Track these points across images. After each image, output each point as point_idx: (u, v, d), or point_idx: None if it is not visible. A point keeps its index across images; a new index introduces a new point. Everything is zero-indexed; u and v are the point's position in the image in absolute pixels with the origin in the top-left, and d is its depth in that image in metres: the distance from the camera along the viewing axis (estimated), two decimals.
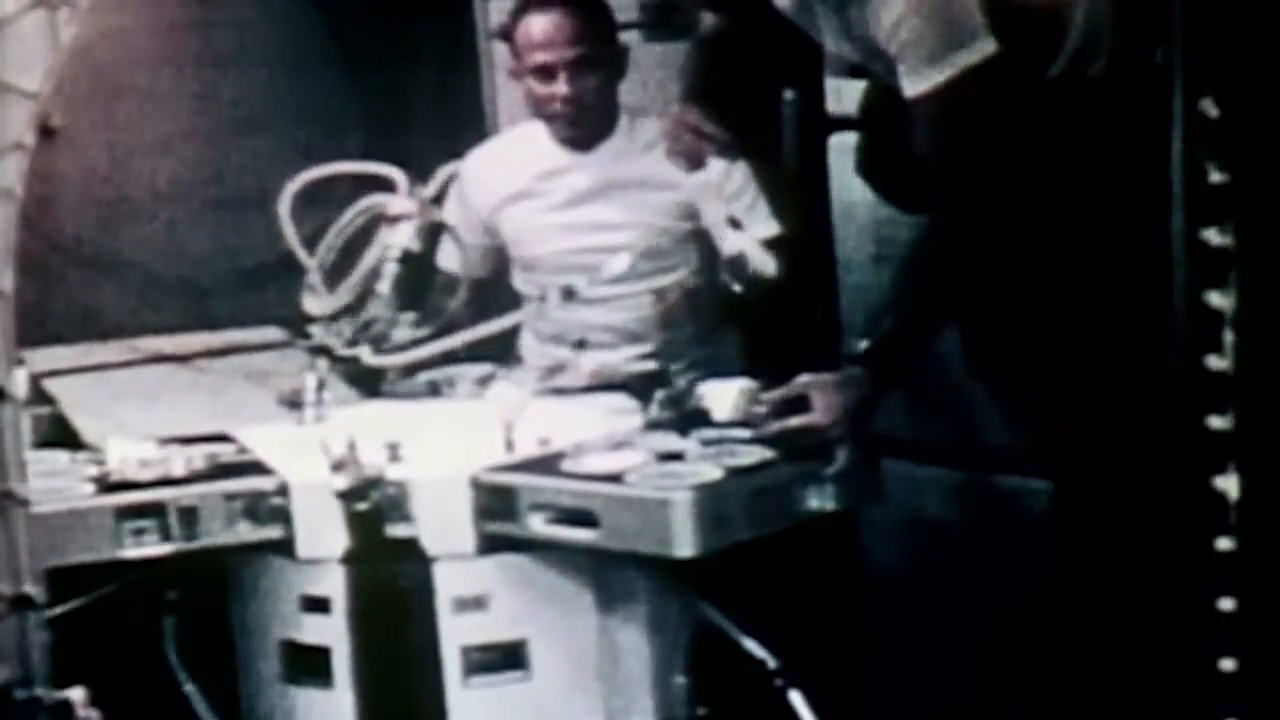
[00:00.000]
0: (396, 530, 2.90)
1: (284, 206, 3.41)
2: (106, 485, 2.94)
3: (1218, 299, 2.16)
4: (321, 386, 3.28)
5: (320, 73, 4.70)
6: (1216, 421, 2.17)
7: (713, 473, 2.81)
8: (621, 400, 3.31)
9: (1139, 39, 2.83)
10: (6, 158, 2.22)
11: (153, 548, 2.89)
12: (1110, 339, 2.94)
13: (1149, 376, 2.41)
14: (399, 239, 3.39)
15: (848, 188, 3.62)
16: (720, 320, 3.74)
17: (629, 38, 3.99)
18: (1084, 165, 2.96)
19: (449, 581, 2.90)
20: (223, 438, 3.13)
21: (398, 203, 3.41)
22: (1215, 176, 2.14)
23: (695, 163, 3.20)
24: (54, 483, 2.91)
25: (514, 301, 3.76)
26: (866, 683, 3.46)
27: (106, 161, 4.58)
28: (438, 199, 3.51)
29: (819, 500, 2.87)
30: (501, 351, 3.65)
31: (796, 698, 2.93)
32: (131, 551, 2.89)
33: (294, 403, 3.28)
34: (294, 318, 3.50)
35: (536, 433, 3.05)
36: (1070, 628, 3.07)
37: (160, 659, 3.06)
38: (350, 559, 2.90)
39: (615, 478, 2.83)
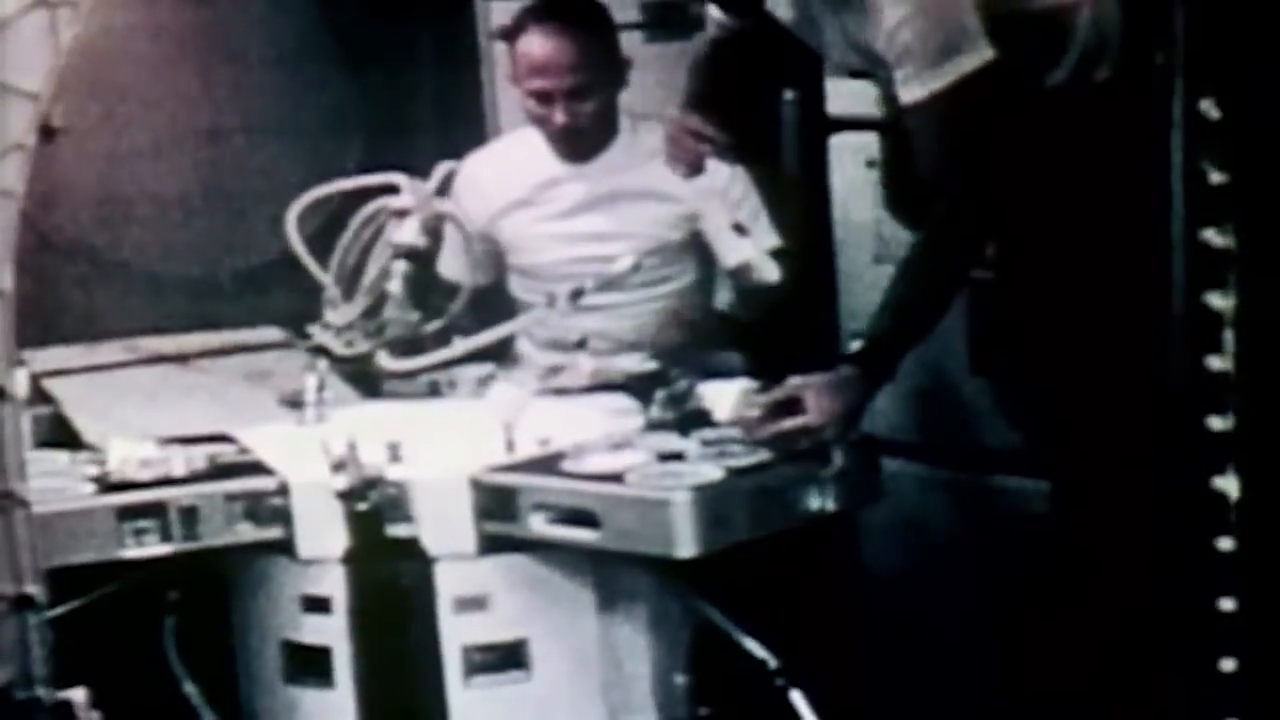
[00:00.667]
0: (397, 530, 2.90)
1: (291, 227, 3.43)
2: (107, 485, 2.94)
3: (1218, 300, 2.16)
4: (322, 387, 3.28)
5: (321, 74, 4.70)
6: (1216, 422, 2.17)
7: (713, 473, 2.81)
8: (622, 400, 3.31)
9: (1144, 43, 2.83)
10: (7, 158, 2.22)
11: (153, 548, 2.89)
12: (1111, 339, 2.94)
13: (1149, 377, 2.41)
14: (404, 236, 3.40)
15: (847, 188, 3.62)
16: (717, 333, 3.75)
17: (629, 38, 3.98)
18: (1083, 166, 2.96)
19: (450, 581, 2.90)
20: (223, 438, 3.13)
21: (400, 199, 3.42)
22: (1215, 178, 2.15)
23: (695, 168, 3.21)
24: (55, 483, 2.91)
25: (510, 307, 3.75)
26: (866, 683, 3.46)
27: (107, 162, 4.58)
28: (439, 192, 3.51)
29: (819, 501, 2.87)
30: (501, 352, 3.65)
31: (797, 697, 2.93)
32: (132, 551, 2.89)
33: (294, 403, 3.28)
34: (294, 308, 3.51)
35: (537, 433, 3.05)
36: (1070, 628, 3.07)
37: (161, 659, 3.06)
38: (351, 559, 2.91)
39: (616, 478, 2.83)
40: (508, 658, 2.92)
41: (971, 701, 3.39)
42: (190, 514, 2.90)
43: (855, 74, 3.29)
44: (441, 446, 3.06)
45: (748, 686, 2.95)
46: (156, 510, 2.89)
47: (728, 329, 3.74)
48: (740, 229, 3.27)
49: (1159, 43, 2.25)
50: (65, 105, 4.24)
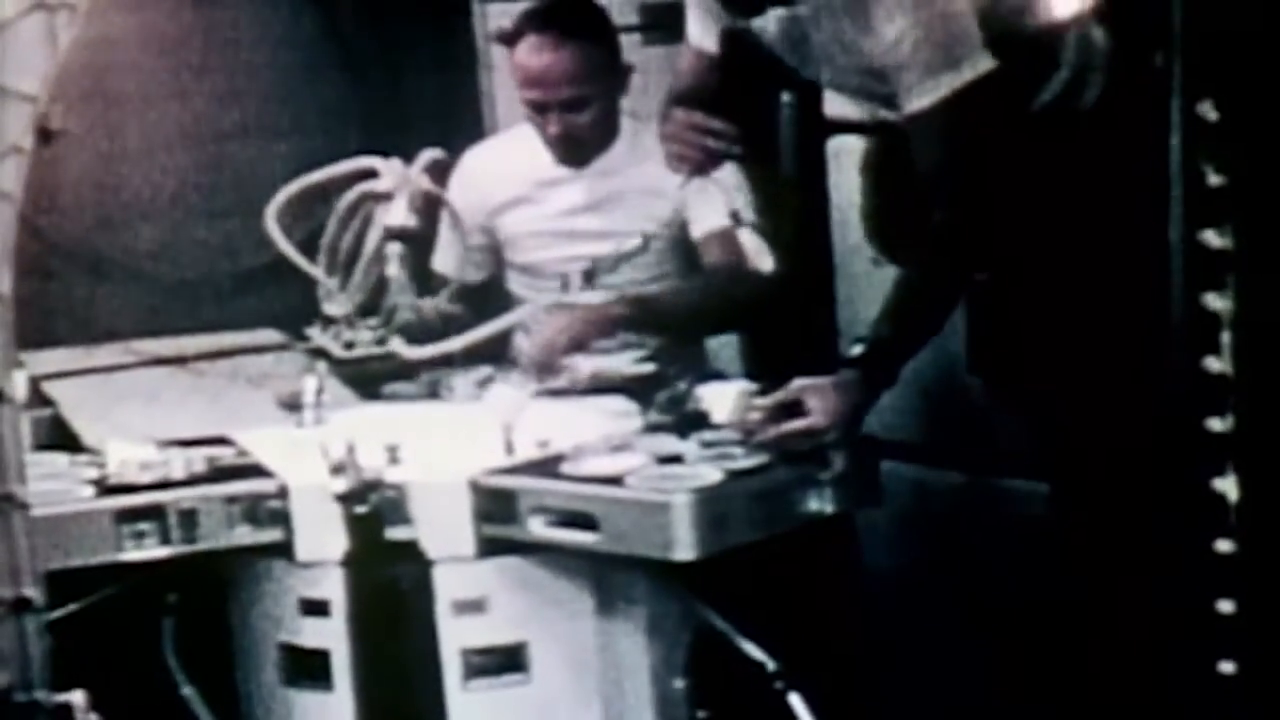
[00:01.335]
0: (396, 533, 2.90)
1: (271, 220, 3.40)
2: (106, 488, 2.94)
3: (1216, 301, 2.16)
4: (320, 389, 3.28)
5: (319, 76, 4.70)
6: (1215, 423, 2.17)
7: (712, 475, 2.81)
8: (621, 403, 3.31)
9: (1136, 65, 2.85)
10: (5, 161, 2.22)
11: (152, 550, 2.89)
12: (1109, 341, 2.94)
13: (1148, 378, 2.41)
14: (394, 218, 3.36)
15: (845, 190, 3.62)
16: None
17: (628, 41, 3.98)
18: (1083, 166, 2.96)
19: (448, 584, 2.90)
20: (222, 440, 3.13)
21: (383, 181, 3.38)
22: (1213, 179, 2.15)
23: (700, 167, 3.16)
24: (53, 485, 2.91)
25: (509, 305, 3.75)
26: (866, 685, 3.46)
27: (105, 164, 4.58)
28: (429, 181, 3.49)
29: (818, 503, 2.87)
30: (499, 354, 3.64)
31: (796, 700, 2.93)
32: (131, 554, 2.89)
33: (293, 405, 3.28)
34: (293, 311, 3.50)
35: (536, 435, 3.04)
36: (1069, 629, 3.07)
37: (160, 662, 3.06)
38: (350, 562, 2.90)
39: (615, 480, 2.83)
40: (506, 661, 2.92)
41: (972, 703, 3.39)
42: (189, 517, 2.90)
43: (840, 89, 3.27)
44: (440, 449, 3.06)
45: (747, 689, 2.95)
46: (155, 513, 2.89)
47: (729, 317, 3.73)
48: (736, 217, 3.25)
49: (1156, 46, 2.25)
50: (63, 107, 4.25)
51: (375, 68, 4.71)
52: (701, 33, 3.20)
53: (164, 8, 4.60)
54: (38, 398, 3.46)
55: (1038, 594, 3.20)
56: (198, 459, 3.01)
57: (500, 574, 2.91)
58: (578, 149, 3.67)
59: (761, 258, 3.21)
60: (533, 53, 3.58)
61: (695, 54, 3.24)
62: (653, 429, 3.12)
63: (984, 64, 2.82)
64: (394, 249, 3.35)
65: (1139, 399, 2.64)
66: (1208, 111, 2.14)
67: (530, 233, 3.76)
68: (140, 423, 3.27)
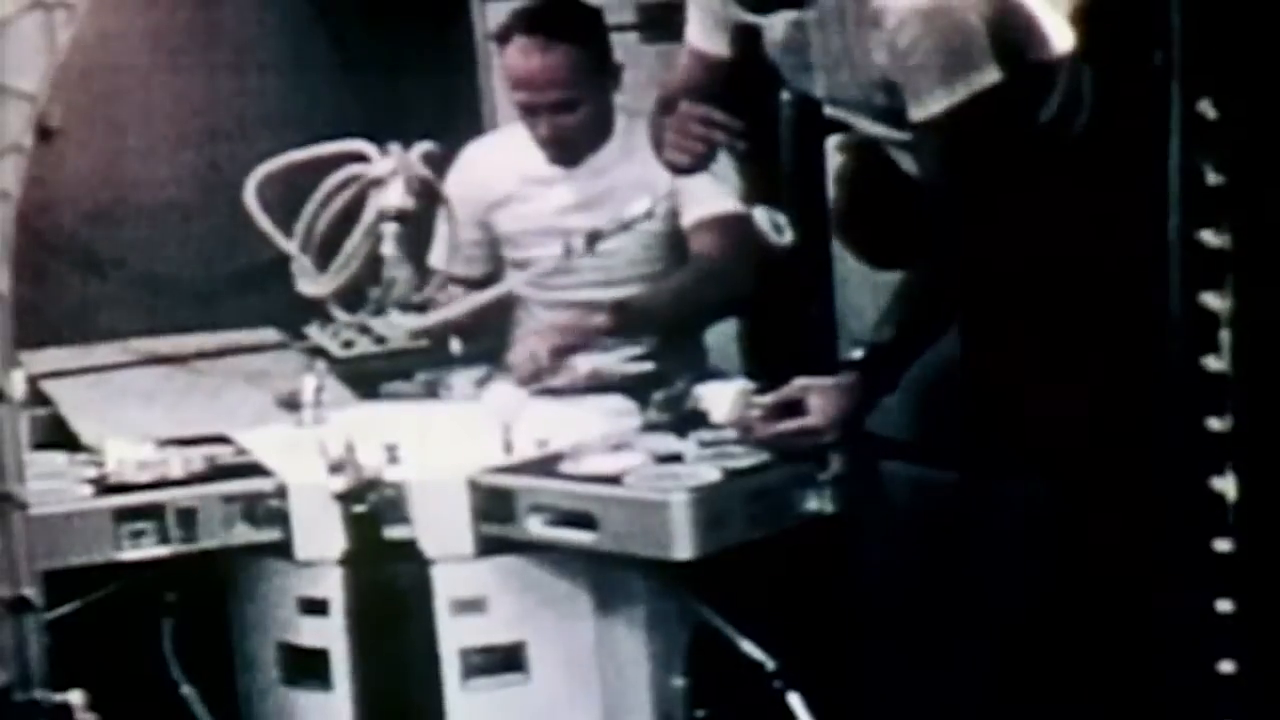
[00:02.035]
0: (394, 532, 2.90)
1: (250, 198, 3.39)
2: (105, 487, 2.94)
3: (1215, 300, 2.16)
4: (320, 388, 3.28)
5: (318, 76, 4.70)
6: (1214, 422, 2.17)
7: (711, 475, 2.81)
8: (619, 402, 3.31)
9: (1126, 101, 2.89)
10: (4, 159, 2.22)
11: (151, 550, 2.89)
12: (1108, 340, 2.94)
13: (1147, 378, 2.41)
14: (390, 199, 3.34)
15: None
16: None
17: (625, 39, 3.97)
18: (1083, 167, 2.97)
19: (447, 583, 2.90)
20: (221, 439, 3.13)
21: (377, 165, 3.37)
22: (1212, 178, 2.15)
23: (699, 161, 3.14)
24: (52, 484, 2.91)
25: (508, 302, 3.75)
26: (865, 684, 3.46)
27: (104, 163, 4.58)
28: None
29: (817, 502, 2.87)
30: (498, 353, 3.64)
31: (795, 699, 2.93)
32: (130, 553, 2.89)
33: (292, 404, 3.28)
34: (292, 310, 3.48)
35: (535, 434, 3.04)
36: (1069, 629, 3.07)
37: (158, 661, 3.06)
38: (348, 561, 2.90)
39: (614, 479, 2.83)
40: (505, 660, 2.92)
41: (970, 703, 3.38)
42: (188, 516, 2.90)
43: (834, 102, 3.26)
44: (439, 448, 3.06)
45: (745, 688, 2.95)
46: (154, 512, 2.89)
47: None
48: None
49: (1156, 45, 2.25)
50: (62, 106, 4.25)
51: (374, 68, 4.71)
52: (701, 33, 3.19)
53: (163, 7, 4.60)
54: (36, 397, 3.46)
55: (1037, 594, 3.20)
56: (196, 458, 3.01)
57: (499, 573, 2.91)
58: (568, 149, 3.67)
59: (781, 235, 3.20)
60: (521, 55, 3.58)
61: (692, 54, 3.23)
62: (651, 428, 3.12)
63: (993, 75, 2.84)
64: (390, 228, 3.34)
65: (1138, 398, 2.64)
66: (1207, 110, 2.14)
67: (524, 230, 3.76)
68: (139, 421, 3.27)
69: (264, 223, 3.37)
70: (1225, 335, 2.16)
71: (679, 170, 3.14)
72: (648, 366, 3.46)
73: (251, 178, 3.40)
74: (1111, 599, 2.98)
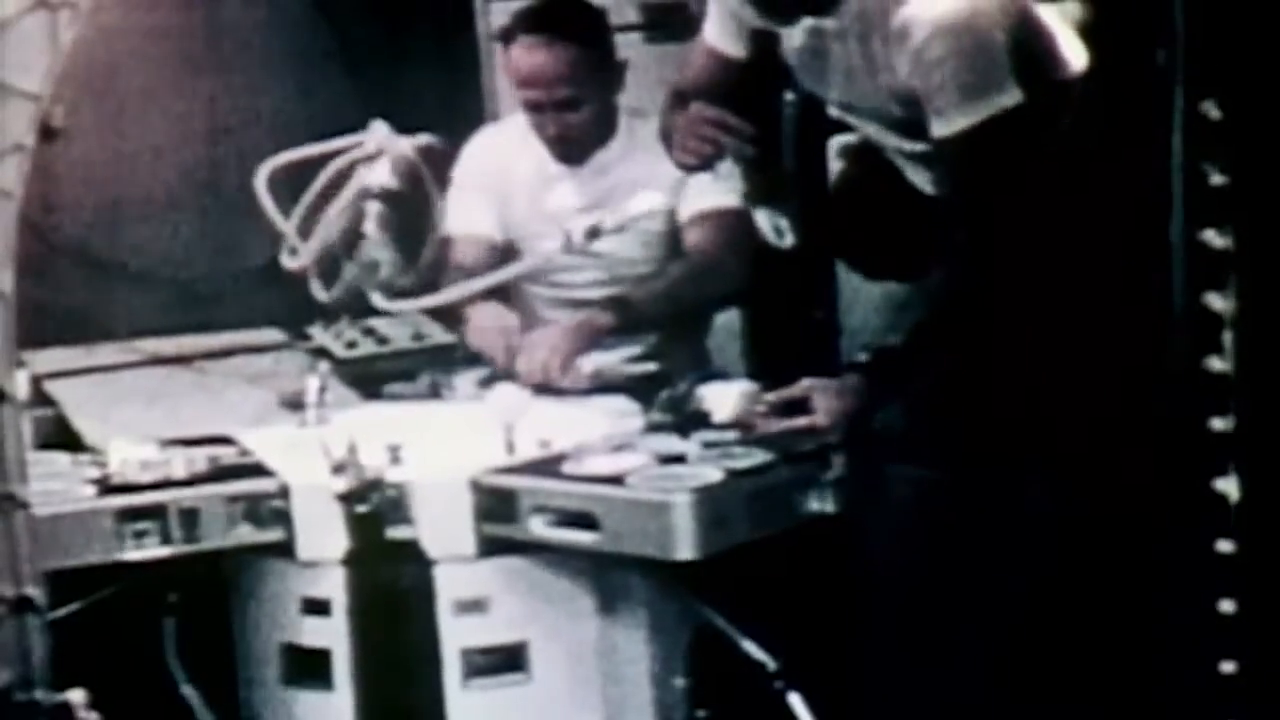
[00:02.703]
0: (397, 532, 2.90)
1: (260, 186, 3.40)
2: (107, 487, 2.94)
3: (1218, 301, 2.16)
4: (323, 388, 3.28)
5: (321, 75, 4.70)
6: (1217, 423, 2.17)
7: (713, 475, 2.81)
8: (622, 402, 3.31)
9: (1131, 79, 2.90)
10: (7, 159, 2.22)
11: (153, 550, 2.89)
12: (1111, 341, 2.94)
13: (1150, 378, 2.41)
14: (376, 177, 3.34)
15: None
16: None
17: (629, 40, 3.97)
18: (1084, 167, 2.97)
19: (449, 584, 2.90)
20: (224, 440, 3.13)
21: (366, 145, 3.37)
22: (1215, 179, 2.15)
23: (708, 161, 3.13)
24: (55, 485, 2.91)
25: (506, 296, 3.74)
26: (866, 684, 3.46)
27: (107, 163, 4.57)
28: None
29: (819, 502, 2.87)
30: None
31: (796, 700, 2.93)
32: (132, 554, 2.89)
33: (295, 405, 3.28)
34: (295, 310, 3.48)
35: (537, 435, 3.04)
36: (1070, 629, 3.07)
37: (160, 661, 3.06)
38: (350, 561, 2.90)
39: (616, 480, 2.83)
40: (507, 660, 2.92)
41: (971, 703, 3.38)
42: (190, 516, 2.90)
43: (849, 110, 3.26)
44: (442, 448, 3.06)
45: (747, 689, 2.95)
46: (157, 512, 2.89)
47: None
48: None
49: (1159, 45, 2.25)
50: (65, 106, 4.25)
51: (377, 67, 4.71)
52: (720, 33, 3.19)
53: (166, 6, 4.60)
54: (39, 397, 3.46)
55: (1038, 594, 3.20)
56: (199, 458, 3.01)
57: (501, 574, 2.91)
58: (573, 147, 3.68)
59: (782, 238, 3.20)
60: (526, 53, 3.59)
61: (708, 52, 3.23)
62: (654, 429, 3.12)
63: (1015, 95, 2.86)
64: (373, 207, 3.33)
65: (1141, 399, 2.64)
66: (1210, 111, 2.14)
67: (526, 224, 3.76)
68: (142, 422, 3.27)
69: (272, 210, 3.38)
70: (1228, 336, 2.16)
71: (687, 169, 3.15)
72: (651, 367, 3.46)
73: (264, 167, 3.41)
74: (1114, 599, 2.98)
